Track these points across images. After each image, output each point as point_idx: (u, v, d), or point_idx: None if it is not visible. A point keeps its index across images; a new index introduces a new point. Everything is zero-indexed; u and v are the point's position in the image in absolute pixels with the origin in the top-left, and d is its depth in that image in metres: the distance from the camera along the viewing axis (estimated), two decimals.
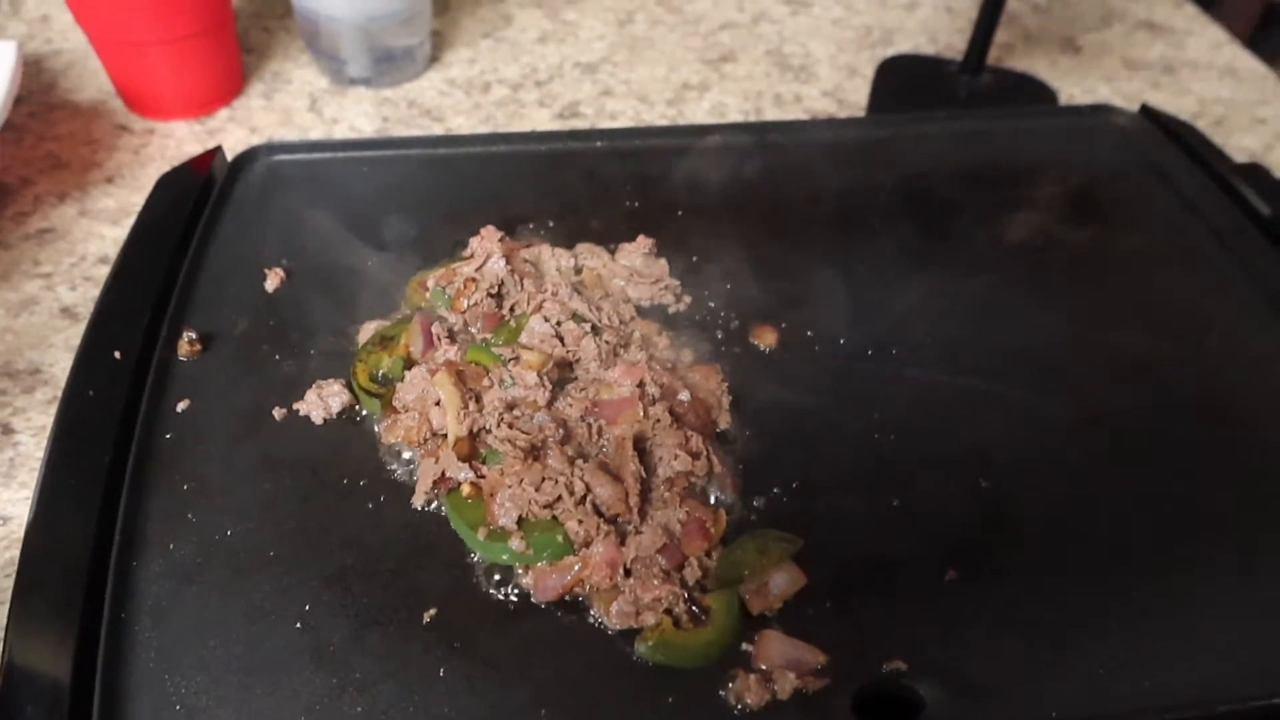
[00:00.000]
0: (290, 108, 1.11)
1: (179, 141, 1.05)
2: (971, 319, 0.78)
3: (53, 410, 0.70)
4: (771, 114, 1.13)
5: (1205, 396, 0.73)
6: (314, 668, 0.56)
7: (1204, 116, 1.15)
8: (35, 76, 1.13)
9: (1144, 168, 0.93)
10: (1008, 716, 0.55)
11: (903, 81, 1.16)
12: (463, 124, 1.10)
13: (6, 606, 0.58)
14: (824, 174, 0.91)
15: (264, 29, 1.23)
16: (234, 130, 1.07)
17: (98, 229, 0.95)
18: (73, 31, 1.19)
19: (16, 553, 0.63)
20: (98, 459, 0.64)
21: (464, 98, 1.14)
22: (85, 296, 0.88)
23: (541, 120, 1.11)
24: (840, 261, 0.82)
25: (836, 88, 1.18)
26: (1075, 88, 1.19)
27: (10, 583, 0.59)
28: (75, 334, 0.83)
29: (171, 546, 0.61)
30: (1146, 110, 0.98)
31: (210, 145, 0.91)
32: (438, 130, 1.08)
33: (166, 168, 0.89)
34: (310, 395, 0.69)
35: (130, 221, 0.83)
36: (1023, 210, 0.89)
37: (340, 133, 1.07)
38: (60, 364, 0.81)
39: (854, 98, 1.16)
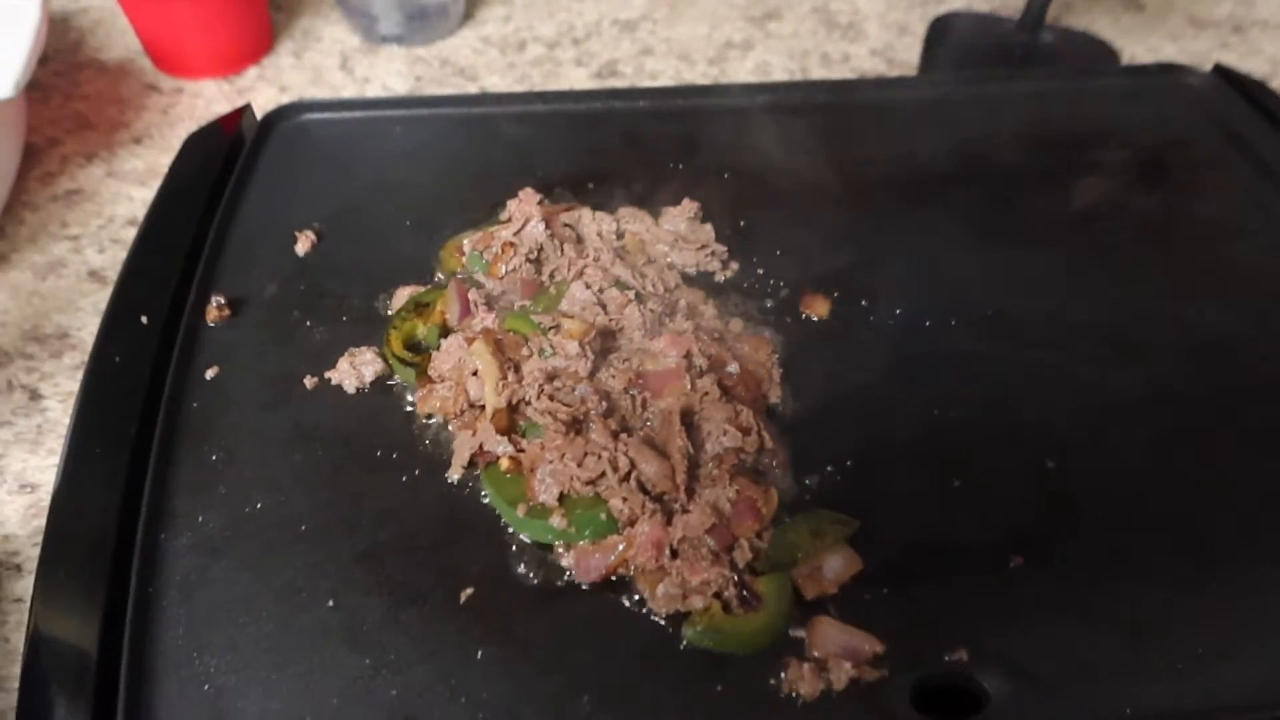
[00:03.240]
0: (321, 66, 1.07)
1: (208, 101, 1.02)
2: (1034, 290, 0.74)
3: (80, 376, 0.69)
4: (818, 74, 1.08)
5: None
6: (347, 648, 0.53)
7: (1276, 77, 1.09)
8: (62, 35, 1.10)
9: (1217, 131, 0.88)
10: (1077, 712, 0.52)
11: (956, 40, 1.10)
12: (497, 83, 1.06)
13: (33, 577, 0.56)
14: (877, 136, 0.87)
15: None
16: (263, 89, 1.04)
17: (126, 190, 0.92)
18: None
19: (44, 521, 0.61)
20: (124, 428, 0.62)
21: (499, 56, 1.10)
22: (113, 259, 0.85)
23: (578, 80, 1.07)
24: (895, 228, 0.78)
25: (886, 46, 1.12)
26: (1138, 46, 1.13)
27: (38, 552, 0.58)
28: (103, 298, 0.81)
29: (200, 519, 0.59)
30: (1220, 70, 0.92)
31: (240, 104, 0.88)
32: (471, 90, 1.05)
33: (195, 127, 0.87)
34: (342, 363, 0.67)
35: (158, 183, 0.80)
36: (1087, 176, 0.84)
37: (372, 92, 1.04)
38: (88, 328, 0.79)
39: (904, 57, 1.11)
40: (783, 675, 0.53)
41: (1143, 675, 0.53)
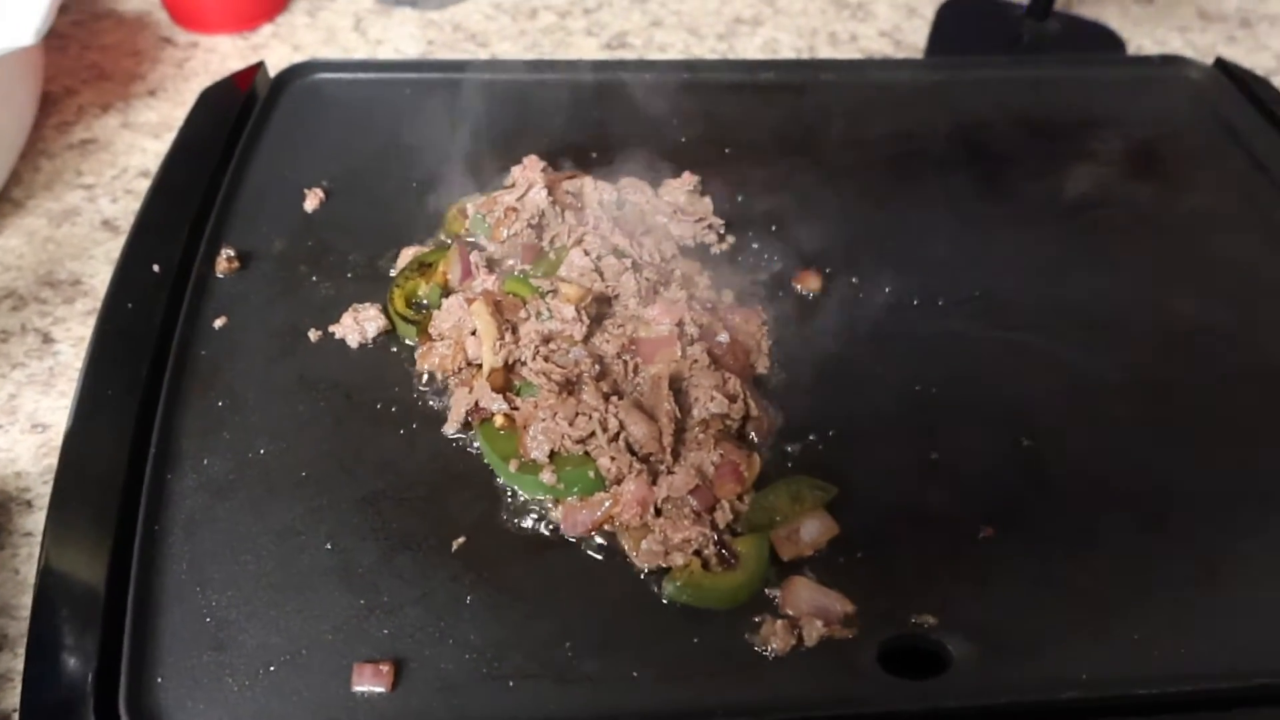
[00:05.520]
0: (334, 26, 1.09)
1: (222, 56, 1.04)
2: (1023, 273, 0.76)
3: (92, 322, 0.71)
4: (825, 52, 1.09)
5: (1260, 366, 0.71)
6: (343, 588, 0.56)
7: None
8: None
9: (1215, 125, 0.89)
10: (1037, 676, 0.54)
11: (964, 24, 1.11)
12: (508, 50, 1.07)
13: (44, 513, 0.59)
14: (878, 116, 0.88)
15: None
16: (277, 47, 1.06)
17: (140, 142, 0.94)
18: None
19: (55, 460, 0.64)
20: (135, 372, 0.64)
21: (510, 23, 1.11)
22: (126, 209, 0.87)
23: (588, 49, 1.08)
24: (890, 208, 0.80)
25: (894, 28, 1.13)
26: (1145, 38, 1.14)
27: (49, 489, 0.60)
28: (116, 246, 0.83)
29: (205, 462, 0.61)
30: (1221, 64, 0.93)
31: (253, 61, 0.90)
32: (482, 56, 1.06)
33: (209, 82, 0.88)
34: (346, 318, 0.69)
35: (172, 135, 0.82)
36: (1084, 163, 0.85)
37: (384, 54, 1.05)
38: (100, 276, 0.82)
39: (912, 39, 1.12)
40: (757, 631, 0.55)
41: (1102, 645, 0.56)
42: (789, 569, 0.58)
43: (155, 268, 0.70)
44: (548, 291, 0.67)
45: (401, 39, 1.08)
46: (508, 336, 0.64)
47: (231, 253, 0.72)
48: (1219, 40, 1.15)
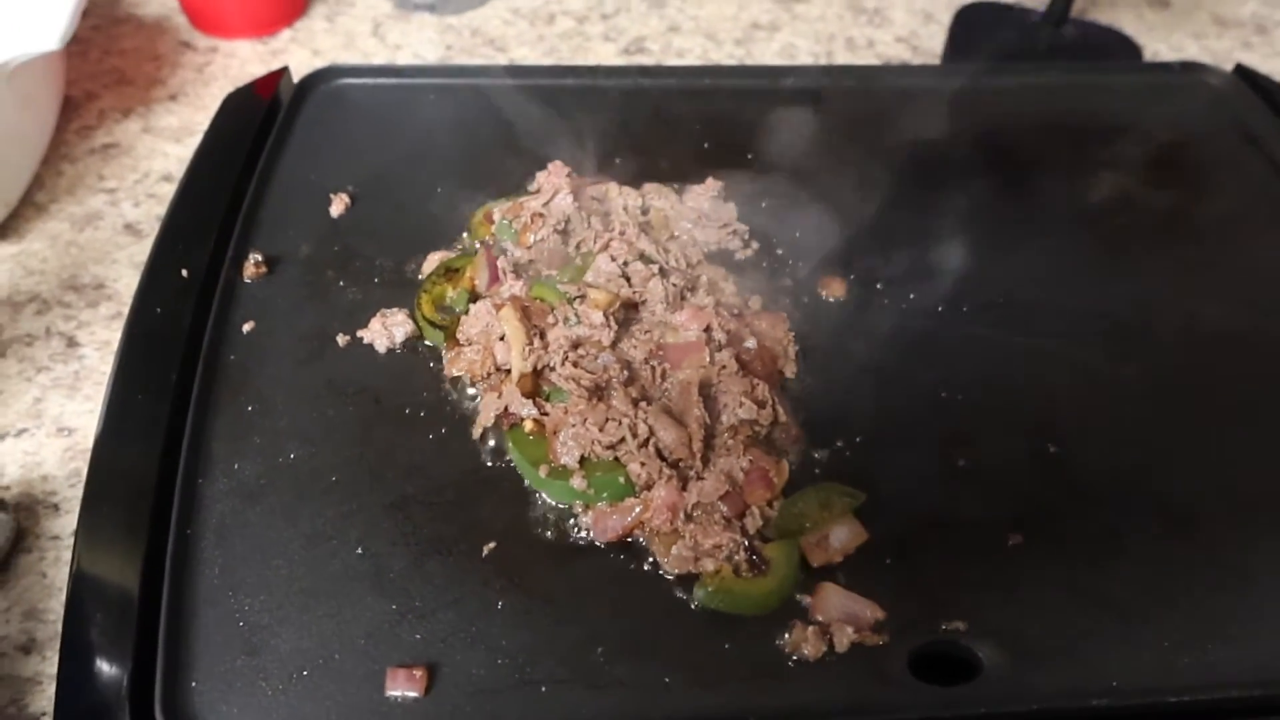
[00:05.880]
0: (353, 31, 1.09)
1: (242, 61, 1.04)
2: (1046, 279, 0.76)
3: (116, 326, 0.71)
4: (843, 58, 1.10)
5: None
6: (375, 593, 0.56)
7: None
8: None
9: (1235, 131, 0.89)
10: (1067, 683, 0.54)
11: (981, 30, 1.11)
12: (526, 55, 1.07)
13: (73, 516, 0.59)
14: (898, 122, 0.88)
15: None
16: (296, 51, 1.06)
17: (161, 146, 0.94)
18: None
19: (82, 464, 0.64)
20: (164, 377, 0.64)
21: (528, 28, 1.11)
22: (149, 214, 0.88)
23: (606, 55, 1.08)
24: (912, 214, 0.80)
25: (911, 34, 1.14)
26: (1161, 44, 1.15)
27: (76, 492, 0.60)
28: (139, 250, 0.84)
29: (236, 466, 0.62)
30: (1241, 70, 0.94)
31: (273, 66, 0.90)
32: (501, 60, 1.06)
33: (230, 87, 0.89)
34: (374, 323, 0.69)
35: (193, 140, 0.83)
36: (1104, 169, 0.85)
37: (403, 59, 1.06)
38: (124, 280, 0.82)
39: (929, 45, 1.12)
40: (787, 636, 0.55)
41: (1131, 652, 0.56)
42: (818, 575, 0.58)
43: (184, 272, 0.70)
44: (575, 297, 0.67)
45: (420, 44, 1.08)
46: (536, 342, 0.64)
47: (259, 257, 0.72)
48: (1234, 46, 1.15)
